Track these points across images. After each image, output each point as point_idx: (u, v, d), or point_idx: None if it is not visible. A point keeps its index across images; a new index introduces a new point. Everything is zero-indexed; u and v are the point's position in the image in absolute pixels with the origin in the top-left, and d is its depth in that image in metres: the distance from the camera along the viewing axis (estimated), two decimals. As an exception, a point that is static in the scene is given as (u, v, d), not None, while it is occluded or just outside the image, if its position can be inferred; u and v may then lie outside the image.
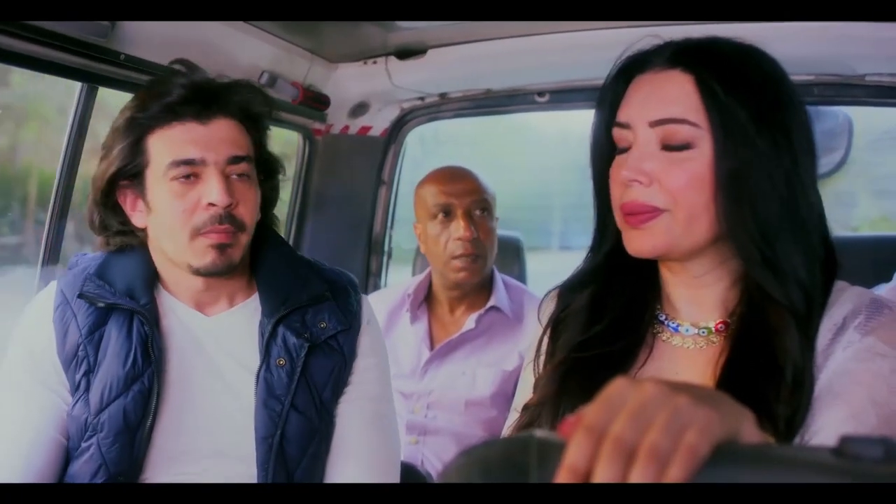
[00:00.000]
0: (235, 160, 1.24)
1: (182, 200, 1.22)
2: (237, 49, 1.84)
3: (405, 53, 2.16)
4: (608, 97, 0.97)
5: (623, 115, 0.94)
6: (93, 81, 1.57)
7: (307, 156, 2.41)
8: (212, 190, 1.21)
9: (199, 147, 1.22)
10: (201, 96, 1.24)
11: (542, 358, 1.03)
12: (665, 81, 0.92)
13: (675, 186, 0.89)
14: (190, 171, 1.22)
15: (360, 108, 2.38)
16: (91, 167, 1.53)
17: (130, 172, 1.24)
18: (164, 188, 1.23)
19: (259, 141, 1.31)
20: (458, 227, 1.92)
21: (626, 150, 0.93)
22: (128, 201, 1.27)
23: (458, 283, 1.97)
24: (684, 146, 0.89)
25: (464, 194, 1.95)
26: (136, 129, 1.23)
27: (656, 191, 0.90)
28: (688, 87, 0.90)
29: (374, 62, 2.21)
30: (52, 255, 1.60)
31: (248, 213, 1.26)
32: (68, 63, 1.47)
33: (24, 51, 1.37)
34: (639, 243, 0.92)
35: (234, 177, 1.24)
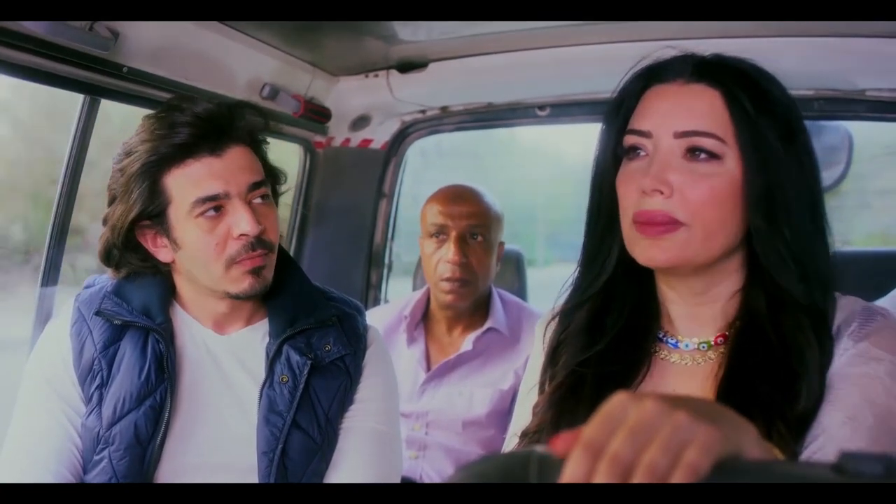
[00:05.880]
0: (255, 186, 1.27)
1: (212, 235, 1.24)
2: (239, 61, 1.84)
3: (406, 67, 2.17)
4: (622, 105, 0.97)
5: (643, 123, 0.93)
6: (95, 94, 1.57)
7: (308, 168, 2.41)
8: (241, 221, 1.23)
9: (221, 181, 1.23)
10: (211, 129, 1.25)
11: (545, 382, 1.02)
12: (692, 94, 0.92)
13: (697, 200, 0.89)
14: (215, 205, 1.24)
15: (361, 121, 2.38)
16: (91, 179, 1.53)
17: (151, 213, 1.25)
18: (191, 225, 1.24)
19: (265, 158, 1.33)
20: (449, 251, 1.91)
21: (637, 156, 0.93)
22: (149, 239, 1.28)
23: (447, 305, 1.97)
24: (710, 156, 0.89)
25: (460, 217, 1.93)
26: (151, 172, 1.24)
27: (677, 203, 0.89)
28: (716, 102, 0.90)
29: (376, 75, 2.21)
30: (52, 274, 1.59)
31: (275, 233, 1.29)
32: (71, 75, 1.47)
33: (27, 63, 1.37)
34: (652, 253, 0.91)
35: (257, 201, 1.27)
